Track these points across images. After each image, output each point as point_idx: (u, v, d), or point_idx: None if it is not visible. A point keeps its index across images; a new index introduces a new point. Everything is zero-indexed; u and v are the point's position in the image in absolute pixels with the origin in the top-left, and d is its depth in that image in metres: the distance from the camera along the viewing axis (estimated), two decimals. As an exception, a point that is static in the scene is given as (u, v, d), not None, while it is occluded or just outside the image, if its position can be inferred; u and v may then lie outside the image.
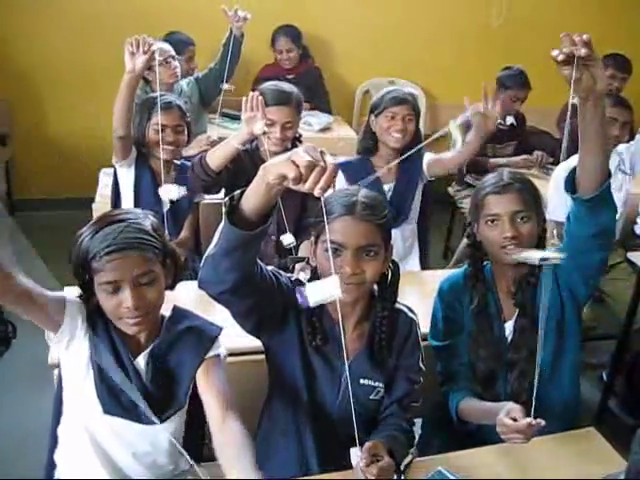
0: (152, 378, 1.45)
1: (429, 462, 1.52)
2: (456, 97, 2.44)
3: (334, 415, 1.58)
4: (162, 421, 1.45)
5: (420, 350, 1.63)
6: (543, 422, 1.43)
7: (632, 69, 4.12)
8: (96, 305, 1.42)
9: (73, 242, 1.38)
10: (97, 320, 1.43)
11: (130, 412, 1.44)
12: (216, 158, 2.33)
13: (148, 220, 1.42)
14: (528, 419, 1.43)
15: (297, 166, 1.04)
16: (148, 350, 1.46)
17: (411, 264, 2.78)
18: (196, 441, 1.66)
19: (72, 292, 1.45)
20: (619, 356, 2.74)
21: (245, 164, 2.49)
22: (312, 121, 4.20)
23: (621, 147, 3.08)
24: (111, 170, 2.72)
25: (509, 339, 1.80)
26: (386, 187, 2.70)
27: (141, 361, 1.45)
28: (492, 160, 3.85)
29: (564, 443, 1.59)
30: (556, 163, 3.42)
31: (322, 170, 1.04)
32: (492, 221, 1.75)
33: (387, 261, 1.55)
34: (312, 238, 1.55)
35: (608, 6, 5.14)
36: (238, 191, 1.19)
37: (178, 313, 1.53)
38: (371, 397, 1.57)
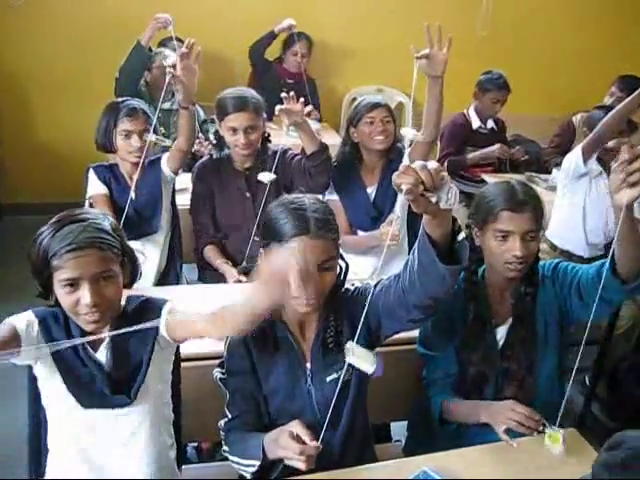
0: (114, 365, 1.46)
1: (414, 462, 1.54)
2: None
3: (316, 419, 1.56)
4: (133, 399, 1.46)
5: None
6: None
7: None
8: (54, 302, 1.43)
9: (32, 241, 1.39)
10: (51, 323, 1.45)
11: (103, 400, 1.46)
12: None
13: (107, 220, 1.44)
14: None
15: None
16: (106, 341, 1.47)
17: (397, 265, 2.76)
18: (177, 445, 1.67)
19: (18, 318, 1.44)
20: (601, 361, 2.78)
21: (212, 173, 2.68)
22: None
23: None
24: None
25: (500, 344, 1.80)
26: (370, 189, 2.75)
27: (102, 352, 1.47)
28: (470, 156, 3.88)
29: (547, 444, 1.62)
30: (543, 171, 3.46)
31: None
32: (503, 236, 1.72)
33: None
34: (262, 250, 1.53)
35: (592, 15, 5.23)
36: None
37: (131, 298, 1.53)
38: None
